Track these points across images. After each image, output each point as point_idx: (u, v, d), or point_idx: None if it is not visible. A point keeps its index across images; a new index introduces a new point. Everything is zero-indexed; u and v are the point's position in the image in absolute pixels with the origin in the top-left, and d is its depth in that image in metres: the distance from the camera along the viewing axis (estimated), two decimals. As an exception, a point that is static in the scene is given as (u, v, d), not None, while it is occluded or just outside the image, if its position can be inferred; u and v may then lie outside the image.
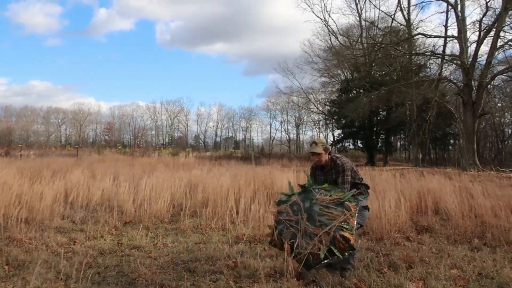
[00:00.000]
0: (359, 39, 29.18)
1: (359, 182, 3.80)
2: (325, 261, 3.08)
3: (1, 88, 77.17)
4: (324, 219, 3.18)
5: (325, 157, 3.71)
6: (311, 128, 56.19)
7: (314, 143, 3.73)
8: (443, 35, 23.49)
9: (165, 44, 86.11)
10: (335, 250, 3.01)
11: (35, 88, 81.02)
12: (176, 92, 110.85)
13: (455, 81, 23.31)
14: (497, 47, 19.86)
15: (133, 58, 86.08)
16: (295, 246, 3.17)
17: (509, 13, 18.90)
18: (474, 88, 20.98)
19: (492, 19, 19.90)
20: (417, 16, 31.77)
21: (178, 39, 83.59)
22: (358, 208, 3.33)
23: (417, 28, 23.91)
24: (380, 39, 25.54)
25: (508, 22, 19.71)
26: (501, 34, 19.87)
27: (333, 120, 33.47)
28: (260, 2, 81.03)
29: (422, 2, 31.21)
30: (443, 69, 24.72)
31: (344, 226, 3.10)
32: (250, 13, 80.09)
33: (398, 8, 24.86)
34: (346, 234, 3.06)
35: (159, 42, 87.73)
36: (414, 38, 24.20)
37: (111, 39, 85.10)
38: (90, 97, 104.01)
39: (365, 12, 32.07)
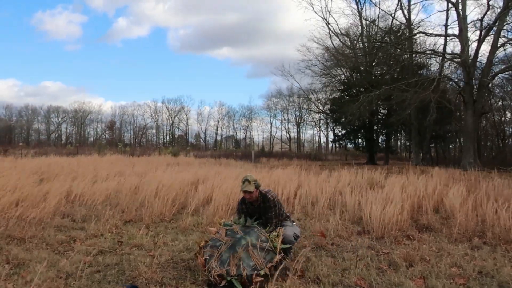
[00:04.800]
0: (360, 38, 29.15)
1: (283, 218, 3.92)
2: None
3: (14, 89, 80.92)
4: (245, 256, 3.26)
5: (255, 194, 3.82)
6: (311, 126, 56.31)
7: (246, 181, 3.77)
8: (444, 34, 23.47)
9: (175, 49, 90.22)
10: (236, 283, 3.08)
11: (48, 88, 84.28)
12: (181, 92, 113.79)
13: (456, 80, 23.28)
14: (498, 46, 19.82)
15: (144, 61, 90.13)
16: (207, 264, 3.27)
17: (510, 12, 18.86)
18: (475, 87, 20.95)
19: (493, 18, 19.88)
20: (417, 15, 31.84)
21: (188, 44, 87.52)
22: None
23: (418, 27, 23.89)
24: (380, 38, 25.53)
25: (509, 21, 19.69)
26: (502, 33, 19.86)
27: (334, 119, 33.43)
28: (266, 10, 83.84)
29: (422, 0, 31.20)
30: (444, 68, 24.70)
31: (259, 270, 3.17)
32: (257, 21, 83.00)
33: (399, 7, 24.87)
34: (253, 276, 3.13)
35: (170, 47, 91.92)
36: (415, 37, 24.16)
37: (126, 45, 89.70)
38: (101, 97, 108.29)
39: (366, 11, 32.08)
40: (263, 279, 3.13)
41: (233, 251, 3.29)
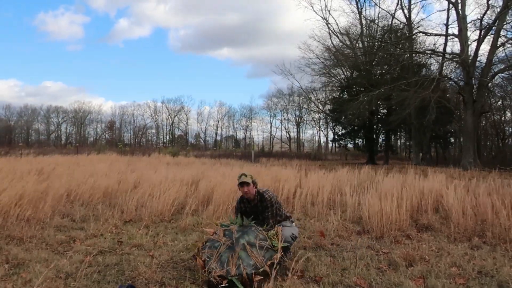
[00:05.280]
0: (359, 38, 29.15)
1: (282, 218, 3.94)
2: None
3: (15, 89, 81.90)
4: (244, 255, 3.26)
5: (252, 190, 3.84)
6: (311, 126, 56.32)
7: (243, 175, 3.81)
8: (444, 33, 23.48)
9: (176, 49, 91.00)
10: (237, 283, 3.08)
11: (49, 88, 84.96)
12: (181, 92, 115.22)
13: (455, 79, 23.29)
14: (498, 45, 19.82)
15: (145, 62, 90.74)
16: (207, 265, 3.26)
17: (510, 11, 18.87)
18: (474, 87, 20.95)
19: (492, 18, 19.88)
20: (417, 14, 31.83)
21: (188, 45, 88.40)
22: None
23: (418, 27, 23.90)
24: (380, 38, 25.52)
25: (509, 21, 19.69)
26: (502, 32, 19.86)
27: (334, 119, 33.43)
28: (266, 10, 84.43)
29: (422, 0, 31.17)
30: (444, 68, 24.71)
31: (259, 269, 3.18)
32: (257, 21, 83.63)
33: (399, 6, 24.87)
34: (253, 275, 3.15)
35: (171, 47, 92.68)
36: (415, 36, 24.17)
37: (127, 45, 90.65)
38: (101, 97, 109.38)
39: (365, 10, 32.09)
40: (262, 277, 3.14)
41: (232, 251, 3.30)
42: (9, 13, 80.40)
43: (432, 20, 73.58)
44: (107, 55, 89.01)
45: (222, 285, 3.08)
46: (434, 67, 26.63)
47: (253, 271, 3.14)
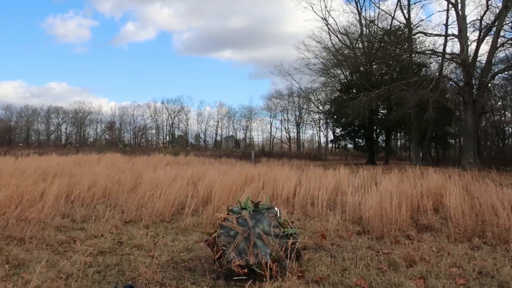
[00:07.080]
0: (359, 38, 29.17)
1: None
2: (244, 277, 3.18)
3: (20, 90, 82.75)
4: (260, 244, 3.31)
5: None
6: (311, 126, 56.33)
7: None
8: (443, 33, 23.49)
9: (179, 51, 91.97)
10: (258, 271, 3.15)
11: (53, 90, 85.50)
12: (184, 93, 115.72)
13: (455, 79, 23.30)
14: (497, 45, 19.84)
15: (148, 64, 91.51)
16: (225, 254, 3.29)
17: (509, 12, 18.88)
18: (474, 87, 20.97)
19: (492, 18, 19.90)
20: (417, 15, 31.87)
21: (191, 47, 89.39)
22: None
23: (417, 27, 23.92)
24: (380, 38, 25.54)
25: (508, 21, 19.71)
26: (501, 33, 19.88)
27: (333, 119, 33.46)
28: (269, 13, 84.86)
29: (422, 0, 31.20)
30: (444, 68, 24.72)
31: (274, 255, 3.24)
32: (259, 23, 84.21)
33: (398, 6, 24.89)
34: (270, 263, 3.21)
35: (174, 49, 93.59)
36: (414, 37, 24.19)
37: (132, 48, 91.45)
38: (104, 97, 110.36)
39: (365, 11, 32.13)
40: (277, 264, 3.20)
41: (249, 240, 3.33)
42: (19, 16, 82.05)
43: (431, 20, 73.82)
44: (112, 57, 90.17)
45: (241, 275, 3.13)
46: (434, 67, 26.68)
47: (269, 259, 3.19)
